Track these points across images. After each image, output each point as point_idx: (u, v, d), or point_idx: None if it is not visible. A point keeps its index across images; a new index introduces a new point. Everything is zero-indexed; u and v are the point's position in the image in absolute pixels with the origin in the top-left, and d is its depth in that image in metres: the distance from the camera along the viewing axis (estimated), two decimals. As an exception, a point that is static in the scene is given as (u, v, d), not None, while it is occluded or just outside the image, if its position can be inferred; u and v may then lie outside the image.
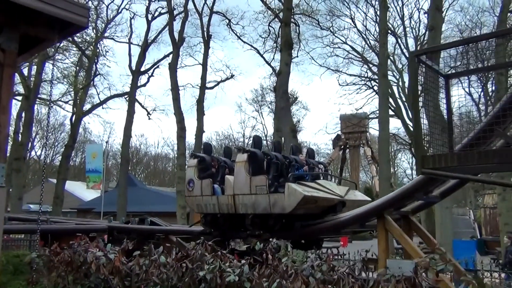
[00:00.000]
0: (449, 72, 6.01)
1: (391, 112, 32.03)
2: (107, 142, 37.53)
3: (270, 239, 5.15)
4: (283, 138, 21.26)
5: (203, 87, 27.57)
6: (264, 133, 50.78)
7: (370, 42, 34.03)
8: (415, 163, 4.64)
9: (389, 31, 33.19)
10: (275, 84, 22.73)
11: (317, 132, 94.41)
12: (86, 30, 30.75)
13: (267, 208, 7.86)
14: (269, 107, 45.56)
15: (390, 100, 32.48)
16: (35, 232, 7.86)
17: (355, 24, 34.35)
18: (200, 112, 26.61)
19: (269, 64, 27.35)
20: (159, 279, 4.40)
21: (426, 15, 25.82)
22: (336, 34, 34.18)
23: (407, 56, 30.49)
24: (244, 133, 54.66)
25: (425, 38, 28.19)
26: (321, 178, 8.94)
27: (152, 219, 10.78)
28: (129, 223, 10.92)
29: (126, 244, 5.90)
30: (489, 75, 24.93)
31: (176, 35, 25.76)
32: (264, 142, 41.76)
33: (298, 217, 8.03)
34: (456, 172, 4.73)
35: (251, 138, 50.67)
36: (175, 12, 27.66)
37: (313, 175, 8.80)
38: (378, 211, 6.88)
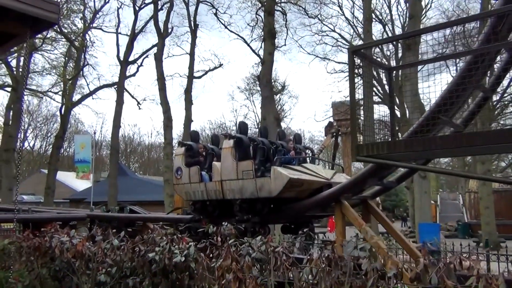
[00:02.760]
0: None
1: (378, 99, 32.40)
2: (94, 132, 37.53)
3: (223, 223, 5.51)
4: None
5: (191, 77, 27.79)
6: (256, 121, 51.03)
7: (358, 30, 34.23)
8: (351, 150, 5.00)
9: (376, 19, 33.41)
10: (259, 73, 22.98)
11: (306, 120, 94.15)
12: (73, 20, 30.91)
13: (254, 192, 8.00)
14: (260, 96, 45.69)
15: (379, 87, 32.83)
16: (12, 221, 8.25)
17: (343, 12, 34.51)
18: (188, 102, 26.87)
19: (256, 53, 27.55)
20: (113, 261, 4.78)
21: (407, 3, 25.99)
22: (324, 22, 34.37)
23: (394, 43, 30.83)
24: (236, 122, 54.84)
25: (411, 26, 28.42)
26: (308, 162, 9.15)
27: (132, 207, 11.15)
28: (110, 212, 11.29)
29: (95, 230, 6.29)
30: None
31: (161, 25, 25.90)
32: (256, 130, 42.00)
33: (285, 200, 8.15)
34: (391, 159, 5.10)
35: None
36: (162, 2, 27.77)
37: (300, 160, 8.94)
38: (335, 196, 7.24)
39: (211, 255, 4.94)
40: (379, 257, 3.14)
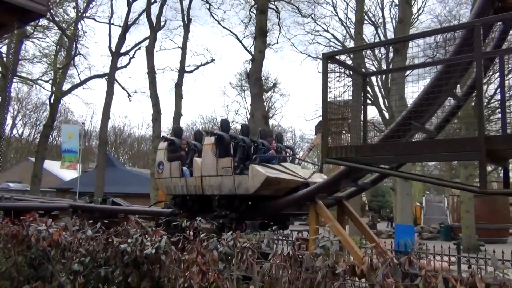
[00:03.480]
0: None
1: (368, 101, 32.71)
2: (83, 123, 37.43)
3: (197, 218, 5.68)
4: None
5: (182, 71, 27.82)
6: (247, 117, 51.14)
7: (350, 31, 34.46)
8: (321, 152, 5.19)
9: (369, 21, 33.70)
10: (248, 71, 23.16)
11: (296, 118, 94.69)
12: (66, 9, 30.77)
13: (232, 189, 8.18)
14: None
15: (369, 89, 33.15)
16: (-9, 209, 8.36)
17: (336, 13, 34.77)
18: (178, 96, 26.91)
19: (248, 50, 27.67)
20: (86, 250, 4.94)
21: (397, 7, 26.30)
22: (317, 22, 34.66)
23: (385, 47, 31.07)
24: (227, 117, 54.90)
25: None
26: (289, 161, 9.36)
27: (114, 199, 11.27)
28: (92, 203, 11.40)
29: (73, 221, 6.43)
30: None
31: (154, 18, 25.89)
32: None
33: (263, 198, 8.35)
34: (359, 162, 5.30)
35: (233, 122, 50.94)
36: (155, -5, 27.71)
37: (281, 159, 9.13)
38: (310, 196, 7.45)
39: (183, 249, 5.13)
40: (332, 255, 3.34)
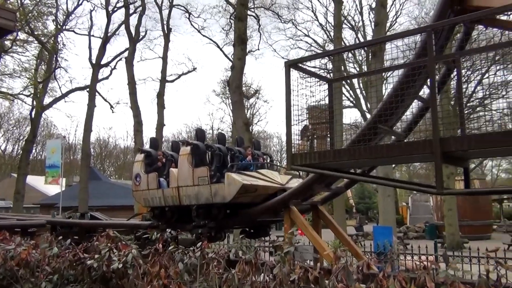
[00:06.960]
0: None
1: (350, 103, 33.09)
2: (64, 136, 37.09)
3: (167, 230, 5.67)
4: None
5: (163, 81, 27.81)
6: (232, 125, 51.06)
7: (330, 35, 34.79)
8: (286, 159, 5.23)
9: (348, 25, 34.14)
10: (228, 79, 23.24)
11: (280, 123, 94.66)
12: (45, 23, 30.58)
13: (209, 198, 8.16)
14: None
15: (351, 92, 33.51)
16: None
17: (316, 17, 35.15)
18: (160, 106, 26.86)
19: (228, 58, 27.80)
20: (52, 268, 4.90)
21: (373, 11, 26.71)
22: (298, 27, 34.99)
23: (365, 49, 31.43)
24: (212, 125, 54.82)
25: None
26: (266, 168, 9.39)
27: (93, 213, 11.17)
28: (71, 218, 11.28)
29: (46, 238, 6.37)
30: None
31: (132, 29, 25.86)
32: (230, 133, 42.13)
33: (241, 206, 8.32)
34: (324, 168, 5.36)
35: (218, 130, 50.89)
36: (134, 6, 27.75)
37: (258, 166, 9.13)
38: (284, 202, 7.49)
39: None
40: (289, 262, 3.38)
